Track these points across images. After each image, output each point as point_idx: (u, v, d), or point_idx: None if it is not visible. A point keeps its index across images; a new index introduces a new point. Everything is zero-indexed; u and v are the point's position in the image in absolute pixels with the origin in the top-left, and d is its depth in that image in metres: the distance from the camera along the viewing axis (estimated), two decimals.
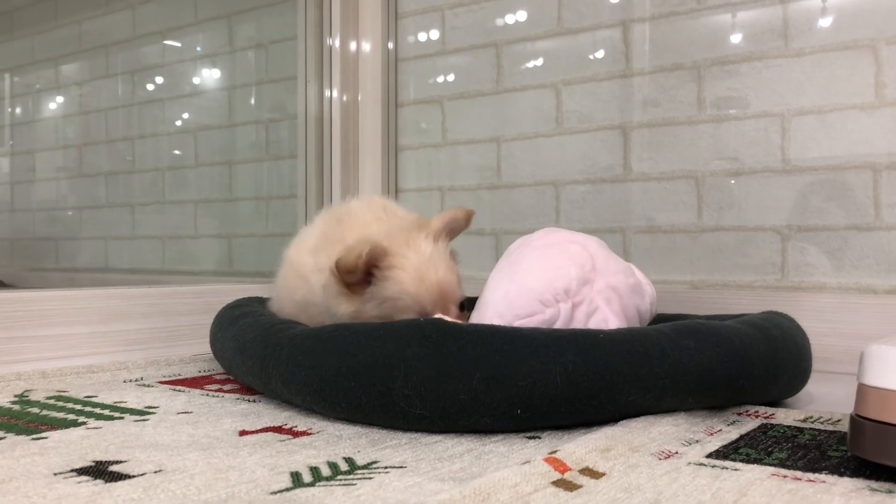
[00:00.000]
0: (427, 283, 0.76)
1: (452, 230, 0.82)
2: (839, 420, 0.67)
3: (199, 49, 1.82)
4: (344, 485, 0.48)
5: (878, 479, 0.49)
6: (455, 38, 1.40)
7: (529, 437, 0.62)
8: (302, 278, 0.83)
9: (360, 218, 0.84)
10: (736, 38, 1.13)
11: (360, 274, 0.75)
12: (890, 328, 0.96)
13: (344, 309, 0.77)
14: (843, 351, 0.98)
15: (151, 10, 1.90)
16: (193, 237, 1.76)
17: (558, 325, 0.74)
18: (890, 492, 0.46)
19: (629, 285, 0.78)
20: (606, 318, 0.74)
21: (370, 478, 0.49)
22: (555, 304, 0.74)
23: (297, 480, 0.49)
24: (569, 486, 0.47)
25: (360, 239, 0.77)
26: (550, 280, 0.74)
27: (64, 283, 1.92)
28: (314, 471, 0.51)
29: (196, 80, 1.84)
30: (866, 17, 1.04)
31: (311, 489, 0.47)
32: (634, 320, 0.78)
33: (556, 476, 0.48)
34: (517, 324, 0.74)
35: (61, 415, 0.69)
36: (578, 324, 0.74)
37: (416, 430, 0.63)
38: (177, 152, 1.83)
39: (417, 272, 0.76)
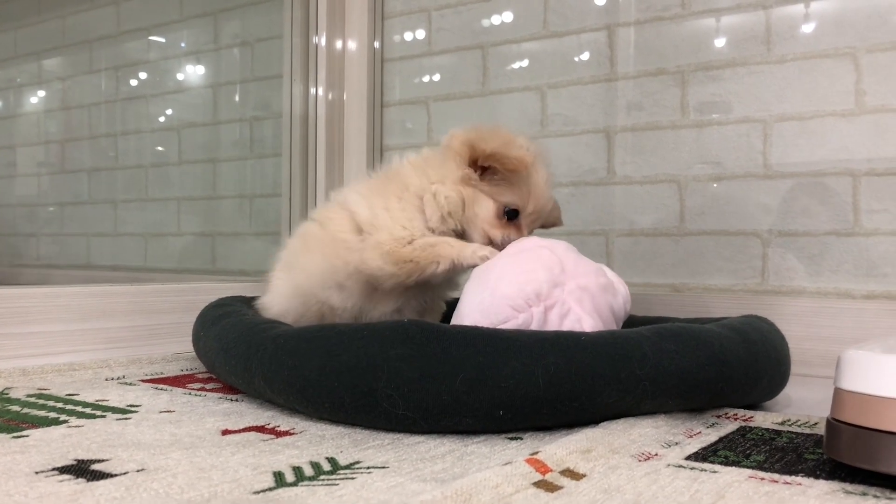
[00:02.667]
0: (549, 200, 0.89)
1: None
2: (816, 423, 0.68)
3: (183, 45, 1.82)
4: (327, 485, 0.48)
5: (852, 481, 0.50)
6: (441, 39, 1.40)
7: (511, 438, 0.62)
8: (367, 235, 0.84)
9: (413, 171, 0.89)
10: (719, 44, 1.14)
11: (524, 165, 0.84)
12: (867, 333, 0.97)
13: (448, 193, 0.84)
14: (822, 355, 0.99)
15: (136, 6, 1.89)
16: (176, 235, 1.75)
17: (532, 328, 0.74)
18: (864, 494, 0.47)
19: (600, 285, 0.79)
20: (580, 317, 0.75)
21: (353, 478, 0.50)
22: (527, 308, 0.75)
23: (279, 480, 0.49)
24: (549, 487, 0.47)
25: (508, 139, 0.85)
26: (522, 285, 0.75)
27: (45, 279, 1.90)
28: (297, 471, 0.51)
29: (181, 77, 1.83)
30: (847, 26, 1.05)
31: (294, 489, 0.47)
32: (609, 319, 0.79)
33: (538, 477, 0.49)
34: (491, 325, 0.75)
35: (42, 413, 0.69)
36: (552, 326, 0.75)
37: (399, 431, 0.64)
38: (160, 149, 1.82)
39: (546, 189, 0.88)
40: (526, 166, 0.84)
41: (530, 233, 0.89)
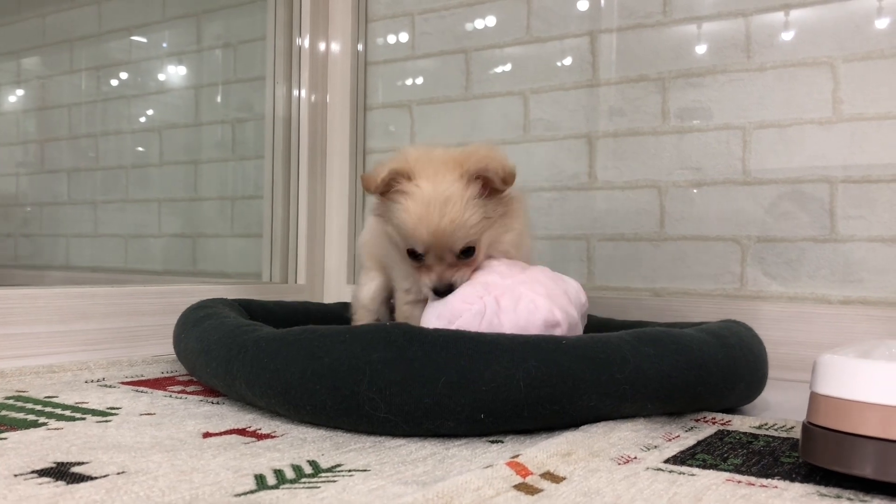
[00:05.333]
0: (425, 224, 0.76)
1: (486, 182, 0.79)
2: (792, 427, 0.68)
3: (165, 46, 1.81)
4: (308, 487, 0.48)
5: (827, 484, 0.50)
6: (425, 43, 1.41)
7: (492, 442, 0.63)
8: None
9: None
10: (700, 52, 1.15)
11: (379, 190, 0.78)
12: (843, 338, 0.99)
13: (371, 217, 0.82)
14: (798, 359, 1.01)
15: (118, 6, 1.88)
16: (157, 236, 1.74)
17: (487, 315, 0.76)
18: (838, 497, 0.48)
19: (549, 276, 0.82)
20: (534, 300, 0.77)
21: (334, 481, 0.50)
22: (478, 300, 0.77)
23: (261, 483, 0.49)
24: (530, 489, 0.48)
25: (398, 156, 0.80)
26: (471, 285, 0.79)
27: (23, 280, 1.88)
28: (278, 473, 0.51)
29: (162, 78, 1.82)
30: (825, 35, 1.07)
31: (275, 492, 0.47)
32: (565, 302, 0.80)
33: (518, 480, 0.49)
34: (454, 326, 0.77)
35: (21, 415, 0.68)
36: (507, 313, 0.76)
37: (381, 434, 0.64)
38: (141, 150, 1.81)
39: (423, 209, 0.76)
40: (371, 188, 0.78)
41: (472, 266, 0.80)
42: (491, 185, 0.78)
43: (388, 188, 0.78)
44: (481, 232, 0.79)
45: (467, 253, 0.79)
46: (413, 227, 0.77)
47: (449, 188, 0.76)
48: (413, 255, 0.79)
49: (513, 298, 0.77)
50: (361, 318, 0.96)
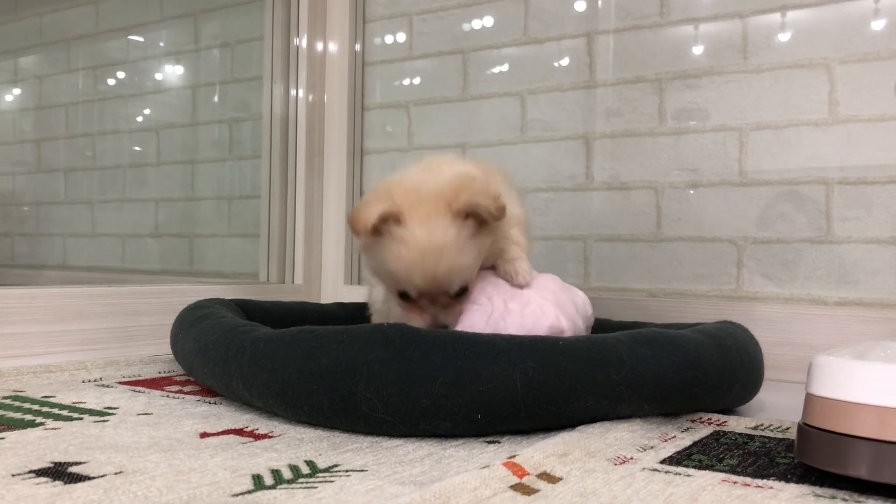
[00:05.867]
0: (420, 272, 0.74)
1: (480, 219, 0.77)
2: (788, 428, 0.69)
3: (162, 45, 1.81)
4: (305, 488, 0.48)
5: (822, 485, 0.51)
6: (422, 44, 1.41)
7: (489, 442, 0.63)
8: None
9: (415, 170, 0.83)
10: (697, 53, 1.15)
11: (368, 234, 0.74)
12: (839, 339, 0.99)
13: (360, 249, 0.78)
14: (794, 360, 1.01)
15: (116, 5, 1.88)
16: (154, 236, 1.74)
17: (494, 316, 0.77)
18: (833, 497, 0.48)
19: (559, 284, 0.83)
20: (542, 305, 0.77)
21: (331, 481, 0.50)
22: (486, 301, 0.78)
23: (258, 483, 0.49)
24: (526, 490, 0.48)
25: (382, 194, 0.75)
26: (481, 287, 0.80)
27: (20, 280, 1.88)
28: (275, 473, 0.51)
29: (160, 78, 1.82)
30: (821, 37, 1.07)
31: (273, 492, 0.47)
32: (573, 312, 0.80)
33: (515, 480, 0.49)
34: (459, 324, 0.78)
35: (18, 415, 0.68)
36: (514, 316, 0.77)
37: (378, 434, 0.64)
38: (138, 149, 1.81)
39: (418, 257, 0.73)
40: (359, 232, 0.74)
41: (464, 303, 0.79)
42: (484, 221, 0.77)
43: (376, 233, 0.75)
44: (475, 269, 0.78)
45: (461, 293, 0.78)
46: (407, 274, 0.74)
47: (443, 235, 0.73)
48: (404, 296, 0.77)
49: (521, 302, 0.78)
50: (376, 318, 0.97)
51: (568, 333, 0.77)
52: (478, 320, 0.77)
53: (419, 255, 0.73)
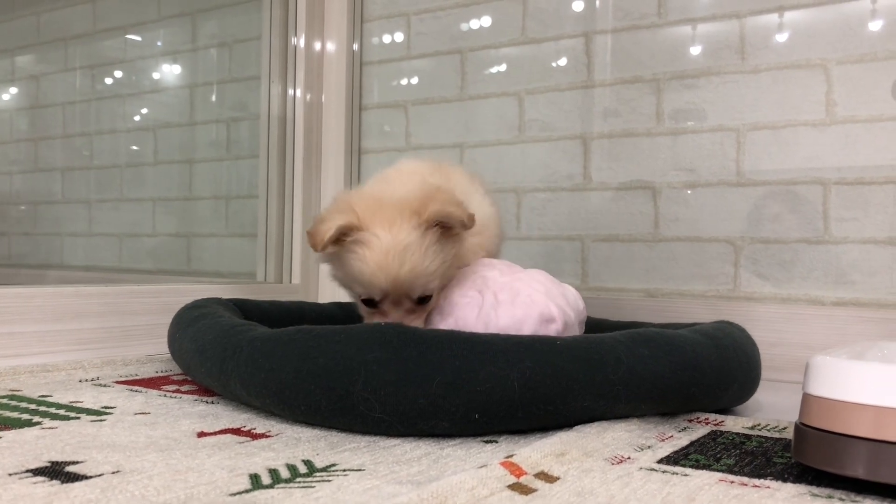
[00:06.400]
0: (384, 274, 0.75)
1: (447, 227, 0.78)
2: (785, 428, 0.69)
3: (160, 45, 1.81)
4: (303, 487, 0.48)
5: (818, 484, 0.51)
6: (420, 43, 1.41)
7: (486, 442, 0.63)
8: None
9: (375, 180, 0.85)
10: (695, 53, 1.15)
11: (325, 249, 0.75)
12: (836, 339, 0.99)
13: (321, 261, 0.79)
14: (791, 360, 1.01)
15: (113, 4, 1.87)
16: (151, 235, 1.74)
17: (485, 308, 0.78)
18: (829, 497, 0.48)
19: (548, 278, 0.84)
20: (531, 295, 0.78)
21: (329, 480, 0.50)
22: (477, 295, 0.79)
23: (255, 482, 0.49)
24: (524, 489, 0.48)
25: (342, 206, 0.76)
26: (471, 281, 0.81)
27: (17, 279, 1.88)
28: (273, 473, 0.51)
29: (157, 77, 1.82)
30: (818, 38, 1.07)
31: (270, 491, 0.47)
32: (564, 304, 0.81)
33: (512, 480, 0.49)
34: (451, 318, 0.79)
35: (15, 414, 0.68)
36: (505, 305, 0.77)
37: (375, 434, 0.64)
38: (135, 149, 1.80)
39: (382, 258, 0.74)
40: (317, 246, 0.75)
41: (427, 310, 0.80)
42: (451, 230, 0.77)
43: (337, 244, 0.76)
44: (440, 278, 0.78)
45: (424, 299, 0.79)
46: (371, 276, 0.75)
47: (407, 237, 0.74)
48: (369, 302, 0.79)
49: (511, 293, 0.78)
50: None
51: (559, 321, 0.78)
52: (469, 313, 0.77)
53: (382, 255, 0.74)
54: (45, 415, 0.68)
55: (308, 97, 1.45)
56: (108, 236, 1.81)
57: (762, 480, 0.52)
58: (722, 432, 0.67)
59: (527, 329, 0.76)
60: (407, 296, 0.77)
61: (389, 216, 0.75)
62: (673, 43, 1.17)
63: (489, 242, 0.90)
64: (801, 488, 0.50)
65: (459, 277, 0.83)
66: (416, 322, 0.79)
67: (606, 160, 1.22)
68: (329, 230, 0.74)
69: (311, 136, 1.46)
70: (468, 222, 0.77)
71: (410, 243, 0.74)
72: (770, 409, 0.82)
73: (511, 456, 0.53)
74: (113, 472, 0.50)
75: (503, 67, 1.32)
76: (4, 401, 0.74)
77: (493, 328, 0.77)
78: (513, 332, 0.76)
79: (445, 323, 0.80)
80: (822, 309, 1.05)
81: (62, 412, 0.69)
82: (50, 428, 0.63)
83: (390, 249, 0.74)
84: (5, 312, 0.96)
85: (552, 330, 0.77)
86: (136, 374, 0.91)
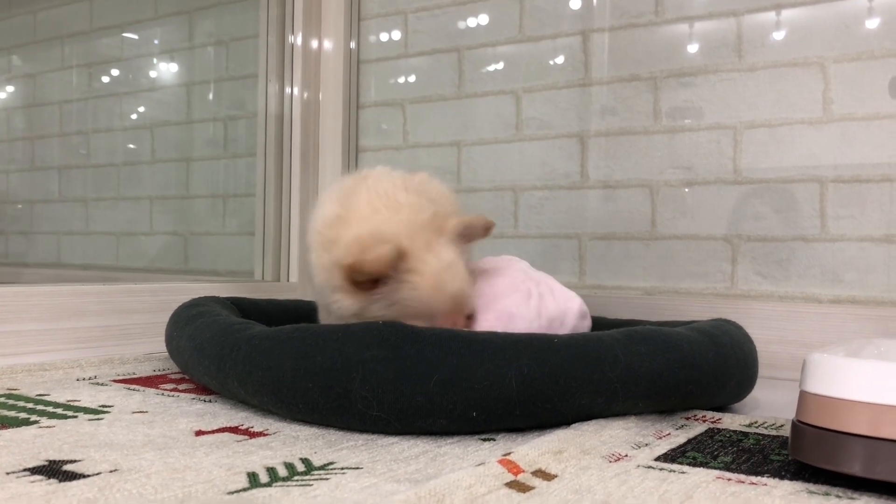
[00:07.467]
0: (444, 294, 0.73)
1: (469, 236, 0.77)
2: (782, 425, 0.69)
3: (157, 43, 1.80)
4: (300, 485, 0.48)
5: (815, 482, 0.51)
6: (417, 42, 1.41)
7: (484, 440, 0.63)
8: (310, 263, 0.79)
9: (369, 204, 0.77)
10: (692, 51, 1.15)
11: (385, 269, 0.70)
12: (832, 337, 0.99)
13: (347, 305, 0.73)
14: (788, 358, 1.01)
15: (110, 2, 1.87)
16: (149, 234, 1.74)
17: (535, 299, 0.79)
18: (826, 494, 0.48)
19: (558, 285, 0.87)
20: (563, 290, 0.83)
21: (327, 478, 0.50)
22: (523, 285, 0.81)
23: (253, 481, 0.49)
24: (521, 487, 0.48)
25: (375, 235, 0.71)
26: (509, 278, 0.83)
27: (14, 278, 1.87)
28: (271, 471, 0.51)
29: (154, 75, 1.82)
30: (815, 36, 1.07)
31: (268, 489, 0.47)
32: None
33: (510, 478, 0.49)
34: (499, 306, 0.79)
35: (12, 413, 0.68)
36: (548, 297, 0.81)
37: (373, 432, 0.64)
38: (133, 147, 1.80)
39: (437, 280, 0.72)
40: (374, 271, 0.70)
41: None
42: (470, 237, 0.77)
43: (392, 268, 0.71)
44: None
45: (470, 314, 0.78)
46: (429, 298, 0.72)
47: (448, 255, 0.73)
48: None
49: (547, 287, 0.81)
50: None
51: (588, 318, 0.81)
52: (522, 303, 0.78)
53: (435, 279, 0.72)
54: (42, 413, 0.68)
55: (305, 95, 1.45)
56: (105, 235, 1.81)
57: (759, 478, 0.52)
58: (719, 430, 0.67)
59: (569, 321, 0.79)
60: (461, 311, 0.76)
61: (423, 237, 0.72)
62: (670, 41, 1.17)
63: None
64: (798, 485, 0.50)
65: (491, 272, 0.83)
66: None
67: (604, 158, 1.22)
68: (385, 252, 0.69)
69: (309, 135, 1.46)
70: (490, 225, 0.77)
71: (455, 261, 0.73)
72: (767, 407, 0.82)
73: (509, 454, 0.53)
74: (110, 471, 0.50)
75: (500, 66, 1.32)
76: (2, 399, 0.74)
77: (544, 317, 0.78)
78: (557, 323, 0.78)
79: (492, 311, 0.79)
80: (818, 307, 1.05)
81: (60, 411, 0.69)
82: (47, 427, 0.63)
83: (441, 270, 0.72)
84: (3, 311, 0.96)
85: (585, 326, 0.81)
86: (134, 373, 0.91)
